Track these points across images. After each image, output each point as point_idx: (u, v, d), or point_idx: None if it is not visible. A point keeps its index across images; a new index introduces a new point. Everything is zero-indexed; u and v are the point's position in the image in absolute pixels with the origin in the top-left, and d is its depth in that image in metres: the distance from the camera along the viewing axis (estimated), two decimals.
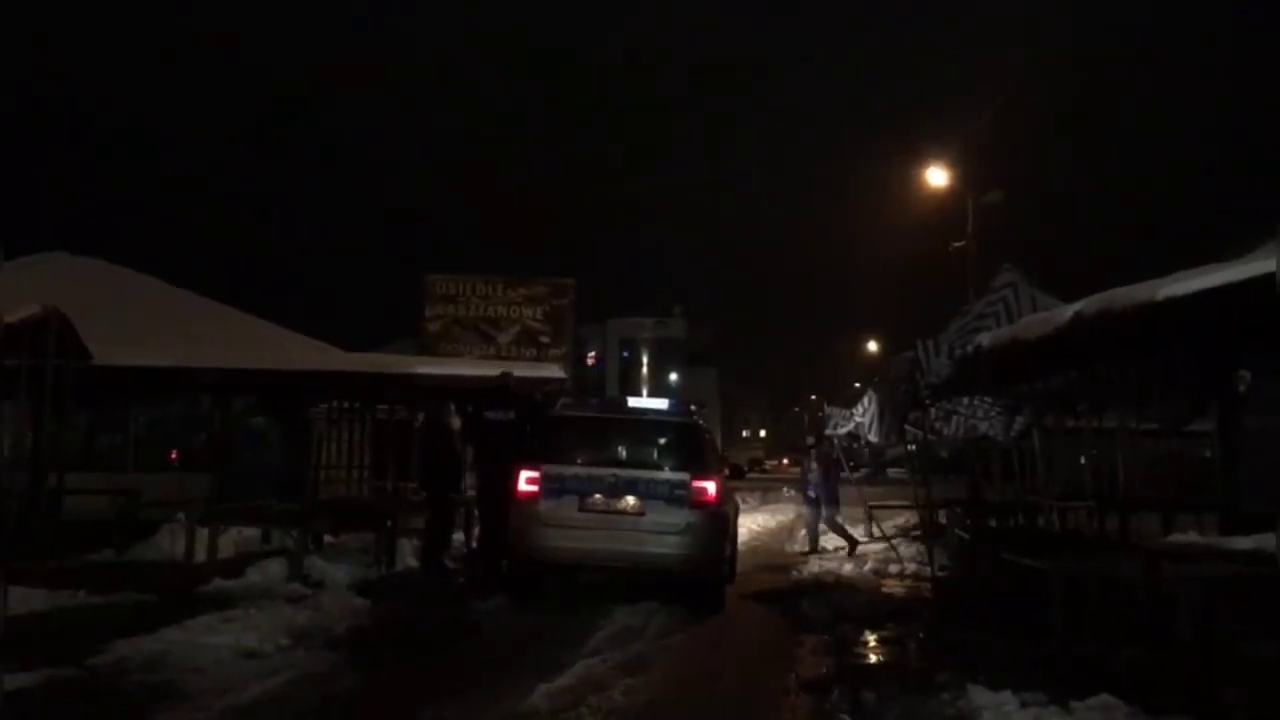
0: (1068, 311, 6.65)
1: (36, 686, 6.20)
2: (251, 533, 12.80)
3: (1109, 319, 6.03)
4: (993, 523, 13.40)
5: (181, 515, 11.88)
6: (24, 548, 9.27)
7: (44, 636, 7.57)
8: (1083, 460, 13.53)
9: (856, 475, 19.14)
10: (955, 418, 12.44)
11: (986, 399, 11.53)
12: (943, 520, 13.88)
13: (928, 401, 10.70)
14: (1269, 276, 4.63)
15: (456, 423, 14.01)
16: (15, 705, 5.86)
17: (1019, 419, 11.92)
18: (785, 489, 33.16)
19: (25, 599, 8.42)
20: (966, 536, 12.49)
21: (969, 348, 8.67)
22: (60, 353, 10.80)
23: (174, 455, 17.81)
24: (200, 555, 11.19)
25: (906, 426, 12.91)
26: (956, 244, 24.41)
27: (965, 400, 11.60)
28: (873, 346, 53.70)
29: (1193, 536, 11.56)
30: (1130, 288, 5.92)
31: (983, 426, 12.46)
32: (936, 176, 24.83)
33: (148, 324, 13.81)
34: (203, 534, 11.38)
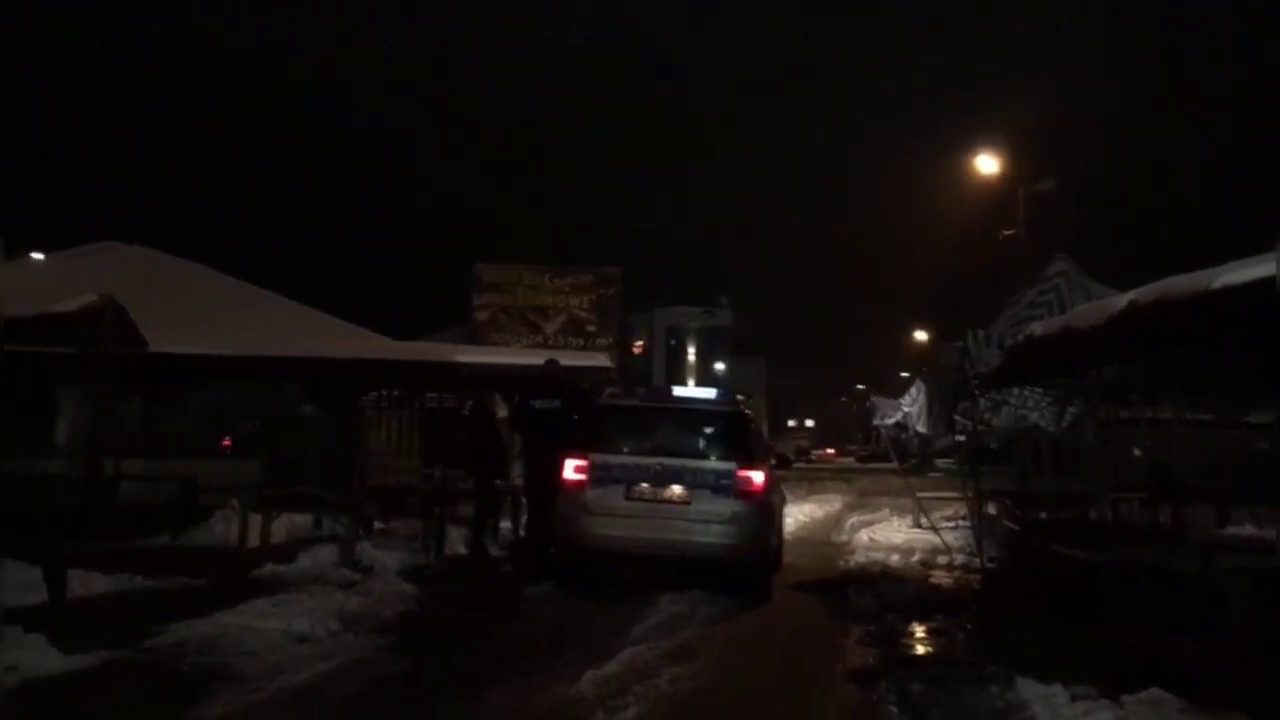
0: (1122, 300, 6.55)
1: (95, 668, 6.35)
2: (303, 519, 12.96)
3: (1164, 308, 5.92)
4: (1043, 514, 13.25)
5: (235, 501, 12.05)
6: (82, 532, 9.46)
7: (102, 619, 7.75)
8: (1136, 452, 13.33)
9: (905, 466, 19.02)
10: (1005, 408, 12.30)
11: (1037, 389, 11.39)
12: (992, 511, 13.75)
13: (977, 392, 10.60)
14: None
15: (502, 411, 14.08)
16: (75, 686, 6.00)
17: (1070, 409, 11.77)
18: None
19: (84, 582, 8.61)
20: (1016, 528, 12.37)
21: (1020, 337, 8.57)
22: (116, 340, 11.00)
23: (226, 442, 18.04)
24: (253, 541, 11.34)
25: (955, 417, 12.80)
26: (1007, 232, 24.14)
27: (1015, 390, 11.47)
28: (921, 336, 53.31)
29: (1248, 530, 11.36)
30: (1186, 276, 5.82)
31: (1033, 417, 12.31)
32: (987, 164, 24.55)
33: (200, 312, 14.02)
34: (255, 520, 11.53)
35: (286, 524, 12.40)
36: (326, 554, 10.84)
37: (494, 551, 12.42)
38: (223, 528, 12.04)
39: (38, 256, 16.46)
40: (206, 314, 14.03)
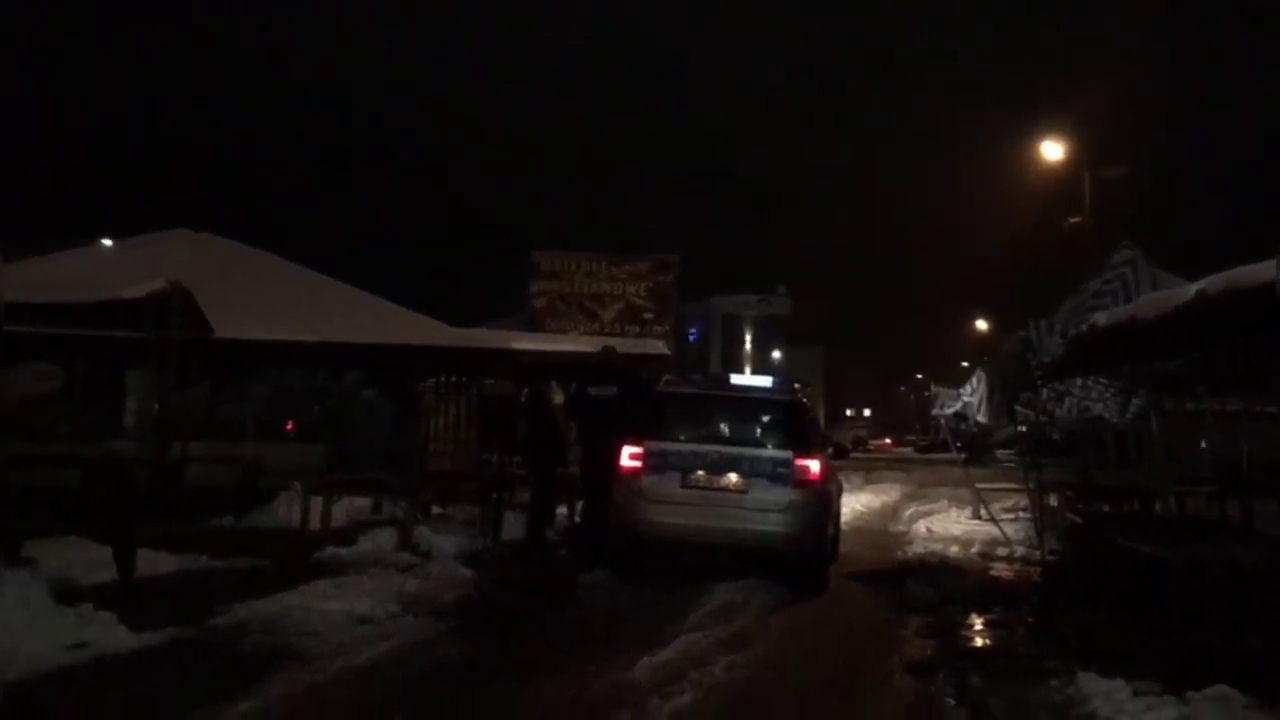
0: (1190, 290, 6.41)
1: (163, 645, 6.49)
2: (363, 502, 13.15)
3: (1234, 297, 5.80)
4: (1106, 507, 13.04)
5: (297, 484, 12.24)
6: (151, 513, 9.67)
7: (169, 598, 7.90)
8: (1203, 444, 13.05)
9: (963, 456, 18.83)
10: (1068, 399, 12.13)
11: (1101, 380, 11.21)
12: (1053, 504, 13.55)
13: (1039, 382, 10.46)
14: None
15: (559, 398, 14.14)
16: (143, 663, 6.15)
17: (1135, 401, 11.56)
18: None
19: (152, 562, 8.79)
20: (1078, 521, 12.19)
21: (1084, 327, 8.43)
22: (183, 326, 11.22)
23: (290, 426, 18.34)
24: (314, 523, 11.53)
25: (1016, 407, 12.63)
26: (1073, 220, 23.73)
27: (1079, 381, 11.30)
28: (982, 325, 52.67)
29: None
30: (1257, 265, 5.68)
31: (1097, 408, 12.12)
32: (1052, 150, 24.13)
33: (266, 298, 14.25)
34: (317, 503, 11.72)
35: (347, 507, 12.60)
36: (386, 537, 10.97)
37: (550, 537, 12.49)
38: (285, 510, 12.26)
39: (107, 243, 16.84)
40: (271, 299, 14.25)
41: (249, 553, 9.81)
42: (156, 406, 11.96)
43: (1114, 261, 9.40)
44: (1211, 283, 6.09)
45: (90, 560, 8.37)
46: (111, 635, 6.44)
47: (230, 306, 12.44)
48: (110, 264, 14.40)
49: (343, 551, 10.26)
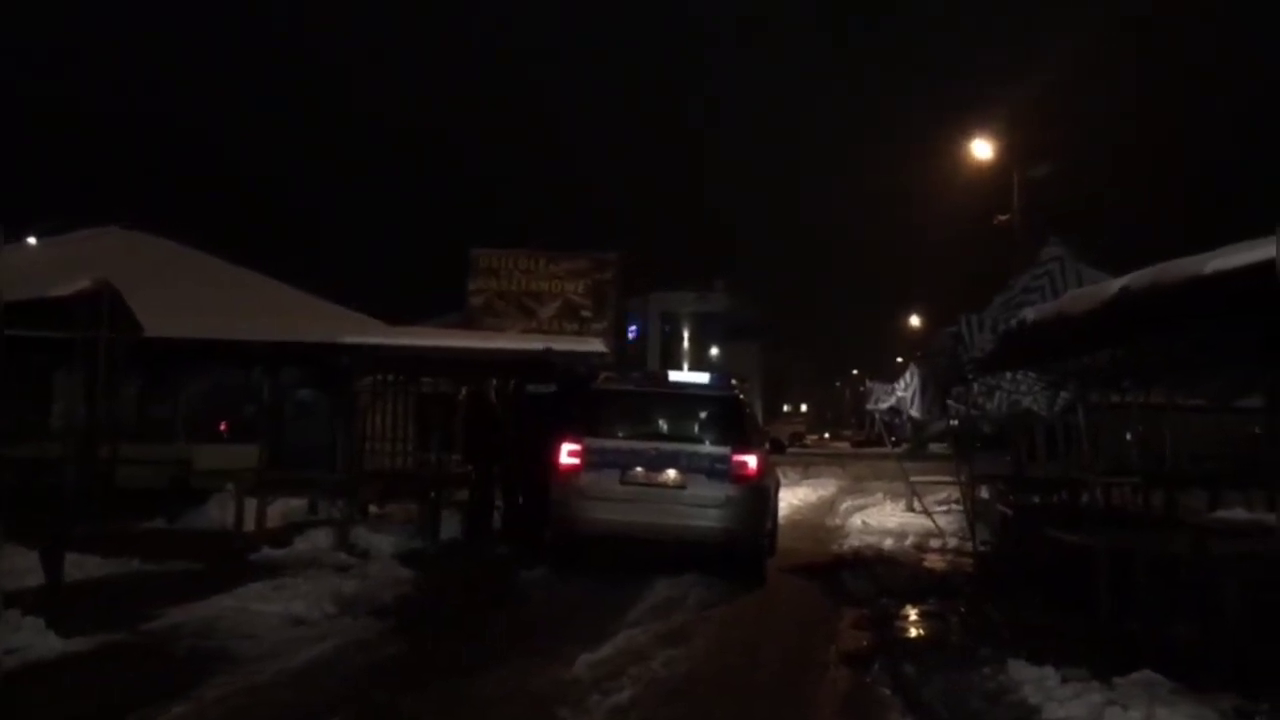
0: (1115, 286, 6.57)
1: (93, 651, 6.39)
2: (299, 503, 13.00)
3: (1157, 293, 5.95)
4: (1036, 499, 13.32)
5: (231, 485, 12.07)
6: (80, 516, 9.49)
7: (99, 602, 7.76)
8: (1128, 436, 13.39)
9: (898, 450, 19.08)
10: (998, 393, 12.34)
11: (1030, 374, 11.43)
12: (985, 495, 13.81)
13: (970, 376, 10.64)
14: None
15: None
16: (73, 669, 6.04)
17: (1063, 394, 11.80)
18: None
19: (81, 565, 8.64)
20: (1009, 512, 12.43)
21: (1013, 322, 8.60)
22: (112, 325, 11.01)
23: (223, 426, 18.06)
24: (249, 524, 11.37)
25: (949, 402, 12.83)
26: (1001, 217, 24.15)
27: (1009, 375, 11.51)
28: (915, 321, 53.46)
29: (1240, 513, 11.45)
30: (1179, 261, 5.84)
31: (1026, 401, 12.35)
32: (981, 149, 24.53)
33: (198, 297, 14.01)
34: (251, 504, 11.57)
35: (282, 508, 12.44)
36: (322, 538, 10.88)
37: (492, 535, 12.44)
38: (219, 511, 12.08)
39: (31, 241, 16.45)
40: (204, 298, 14.03)
41: (182, 555, 9.67)
42: (84, 408, 11.70)
43: (1042, 258, 9.59)
44: (1136, 279, 6.24)
45: (17, 565, 8.16)
46: (40, 641, 6.33)
47: (161, 305, 12.21)
48: (37, 262, 14.06)
49: (278, 553, 10.16)
